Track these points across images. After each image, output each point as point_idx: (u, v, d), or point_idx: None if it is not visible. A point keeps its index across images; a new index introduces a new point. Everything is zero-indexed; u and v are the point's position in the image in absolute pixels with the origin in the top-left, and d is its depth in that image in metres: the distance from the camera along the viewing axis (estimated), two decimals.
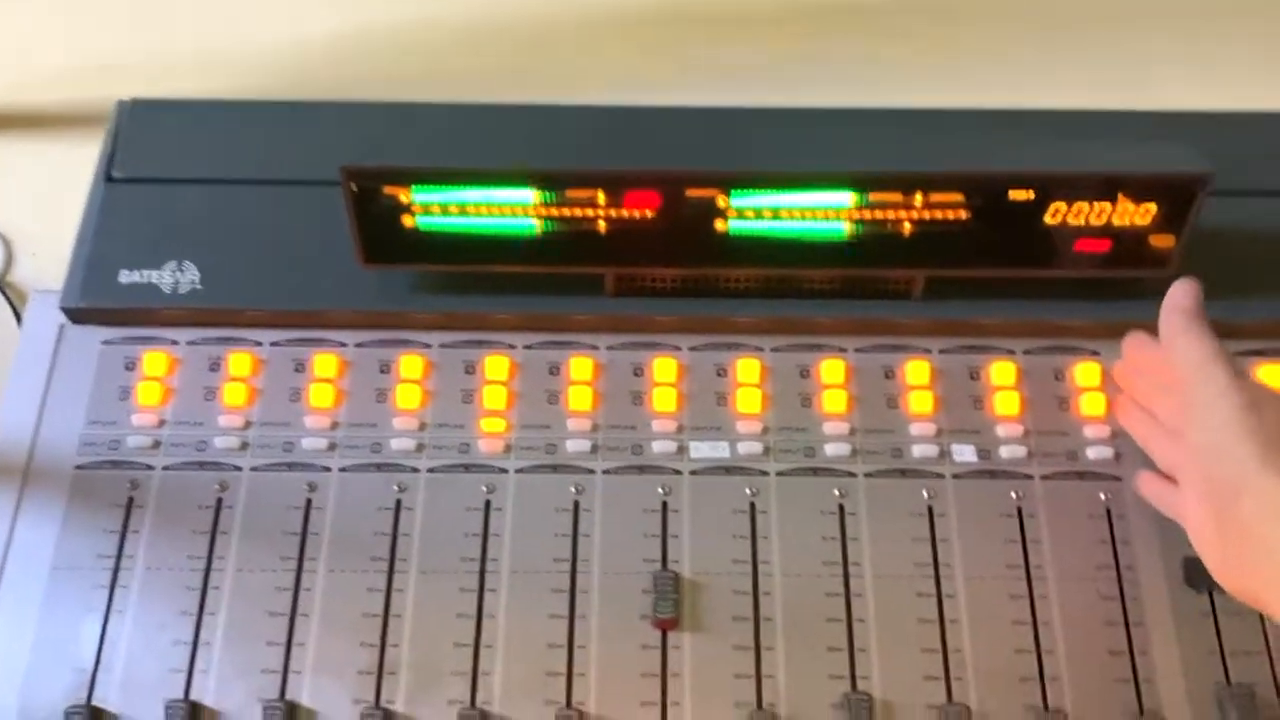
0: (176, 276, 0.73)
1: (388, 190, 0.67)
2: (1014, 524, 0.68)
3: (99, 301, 0.73)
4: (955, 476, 0.70)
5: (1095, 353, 0.73)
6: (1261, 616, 0.66)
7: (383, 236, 0.69)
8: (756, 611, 0.66)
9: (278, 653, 0.65)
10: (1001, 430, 0.71)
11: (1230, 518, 0.58)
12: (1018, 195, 0.67)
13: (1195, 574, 0.67)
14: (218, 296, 0.73)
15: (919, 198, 0.67)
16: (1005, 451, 0.70)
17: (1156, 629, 0.66)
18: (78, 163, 0.79)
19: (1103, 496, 0.69)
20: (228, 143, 0.79)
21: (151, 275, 0.73)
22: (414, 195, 0.67)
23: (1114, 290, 0.73)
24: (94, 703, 0.64)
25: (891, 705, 0.64)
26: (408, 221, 0.69)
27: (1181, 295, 0.65)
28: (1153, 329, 0.73)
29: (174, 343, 0.74)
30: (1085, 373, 0.72)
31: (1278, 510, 0.56)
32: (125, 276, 0.73)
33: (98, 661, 0.65)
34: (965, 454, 0.70)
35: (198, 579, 0.67)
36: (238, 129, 0.79)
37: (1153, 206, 0.68)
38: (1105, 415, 0.71)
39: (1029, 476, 0.70)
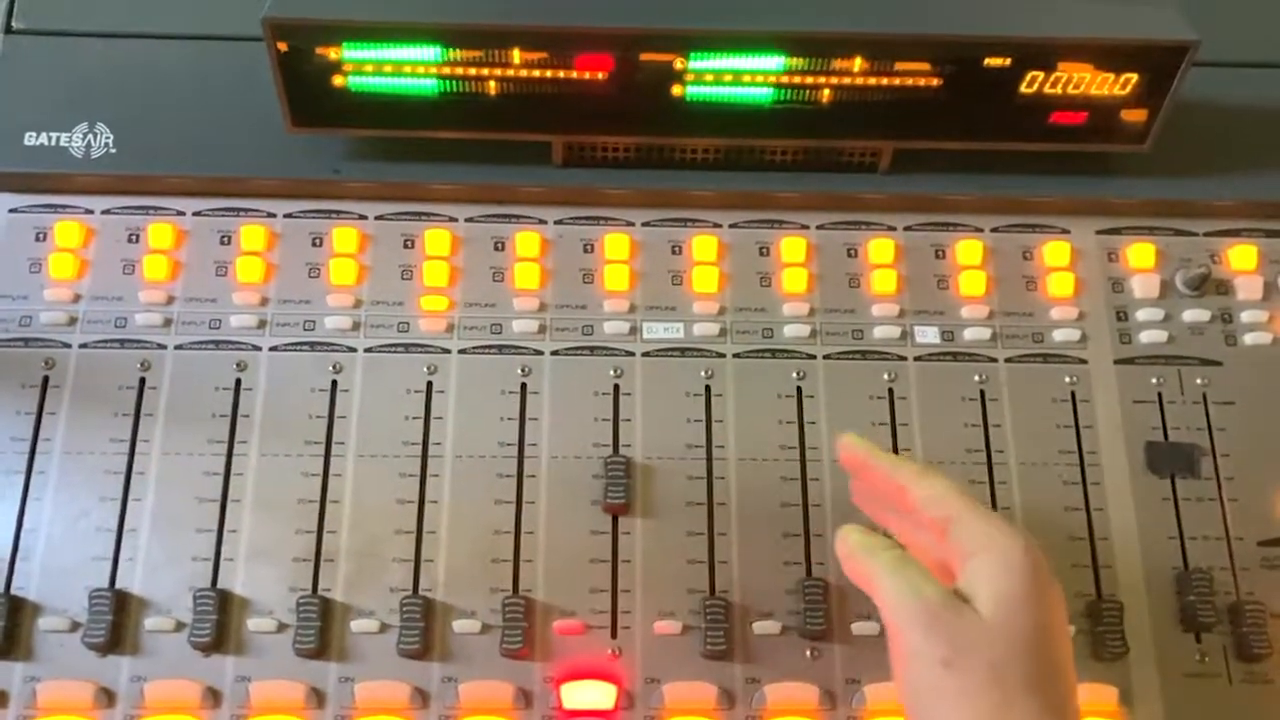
0: (88, 139, 0.68)
1: (316, 46, 0.62)
2: (976, 408, 0.66)
3: (3, 165, 0.67)
4: (917, 359, 0.67)
5: (1065, 231, 0.70)
6: (1222, 502, 0.65)
7: (312, 98, 0.64)
8: (710, 497, 0.64)
9: (208, 540, 0.62)
10: (966, 311, 0.68)
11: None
12: (993, 62, 0.63)
13: (1156, 459, 0.65)
14: (134, 162, 0.68)
15: (889, 63, 0.63)
16: (969, 333, 0.68)
17: (1117, 514, 0.64)
18: None
19: (1067, 380, 0.67)
20: None
21: (61, 137, 0.68)
22: (345, 52, 0.62)
23: (1087, 166, 0.69)
24: (13, 591, 0.60)
25: (847, 591, 0.62)
26: (338, 81, 0.63)
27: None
28: (1125, 208, 0.70)
29: (89, 211, 0.68)
30: (1054, 252, 0.70)
31: None
32: (31, 138, 0.67)
33: (15, 549, 0.61)
34: (928, 335, 0.68)
35: (121, 463, 0.63)
36: None
37: (1133, 76, 0.64)
38: (1072, 296, 0.69)
39: (993, 359, 0.67)
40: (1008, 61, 0.63)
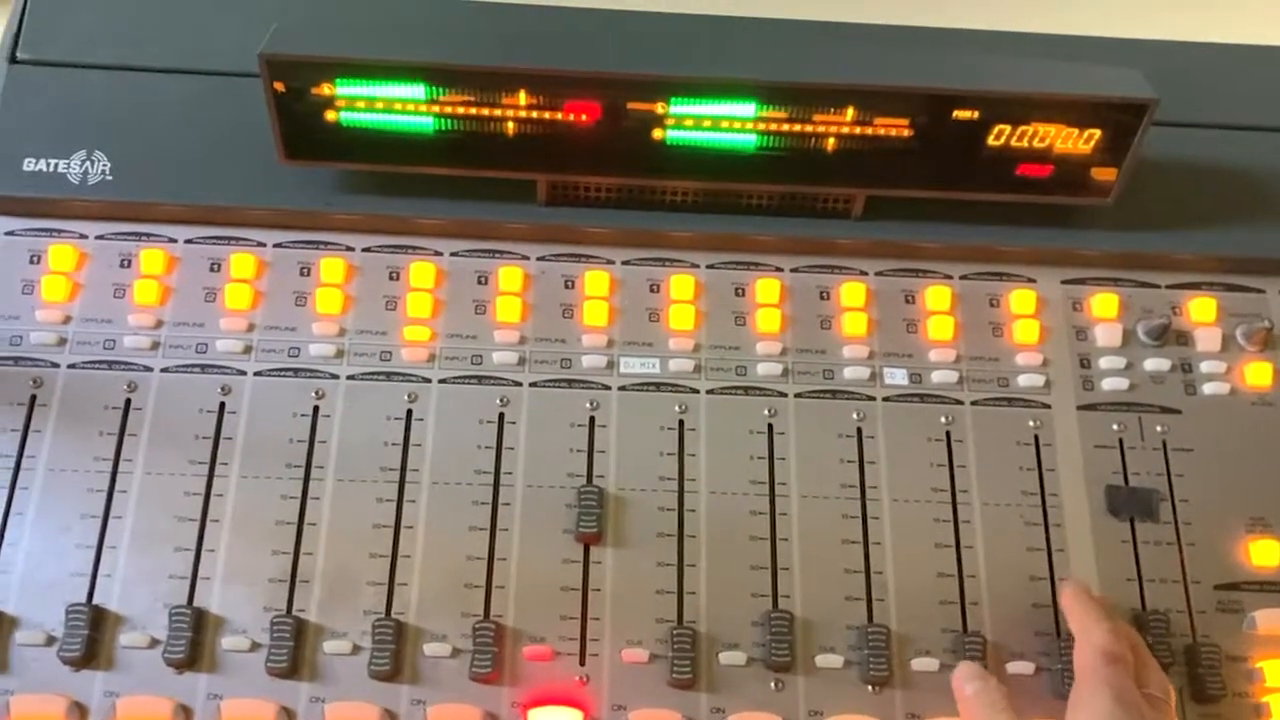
0: (86, 167, 0.70)
1: (310, 82, 0.64)
2: (942, 448, 0.68)
3: (1, 190, 0.69)
4: (886, 399, 0.69)
5: (1031, 280, 0.73)
6: (1180, 546, 0.66)
7: (305, 131, 0.66)
8: (681, 528, 0.65)
9: (186, 558, 0.63)
10: (934, 355, 0.70)
11: None
12: (962, 114, 0.66)
13: (1116, 502, 0.67)
14: (130, 189, 0.70)
15: (862, 113, 0.66)
16: (937, 376, 0.70)
17: (1077, 556, 0.66)
18: None
19: (1031, 424, 0.69)
20: (142, 27, 0.74)
21: (59, 164, 0.70)
22: (338, 89, 0.64)
23: (1054, 218, 0.72)
24: None
25: (812, 624, 0.63)
26: (331, 116, 0.65)
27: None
28: (1090, 259, 0.73)
29: (83, 236, 0.70)
30: (1020, 300, 0.72)
31: None
32: (30, 164, 0.69)
33: None
34: (897, 377, 0.70)
35: (103, 481, 0.64)
36: (153, 13, 0.75)
37: (1097, 132, 0.67)
38: (1037, 343, 0.71)
39: (959, 402, 0.69)
40: (976, 114, 0.66)
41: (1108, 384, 0.70)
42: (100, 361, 0.67)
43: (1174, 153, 0.74)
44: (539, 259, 0.71)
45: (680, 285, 0.71)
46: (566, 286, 0.71)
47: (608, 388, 0.68)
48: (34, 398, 0.66)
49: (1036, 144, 0.67)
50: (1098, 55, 0.77)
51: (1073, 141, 0.67)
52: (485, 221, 0.71)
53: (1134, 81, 0.66)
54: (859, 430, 0.68)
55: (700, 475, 0.66)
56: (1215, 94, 0.78)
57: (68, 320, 0.68)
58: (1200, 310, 0.72)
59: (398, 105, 0.65)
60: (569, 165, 0.68)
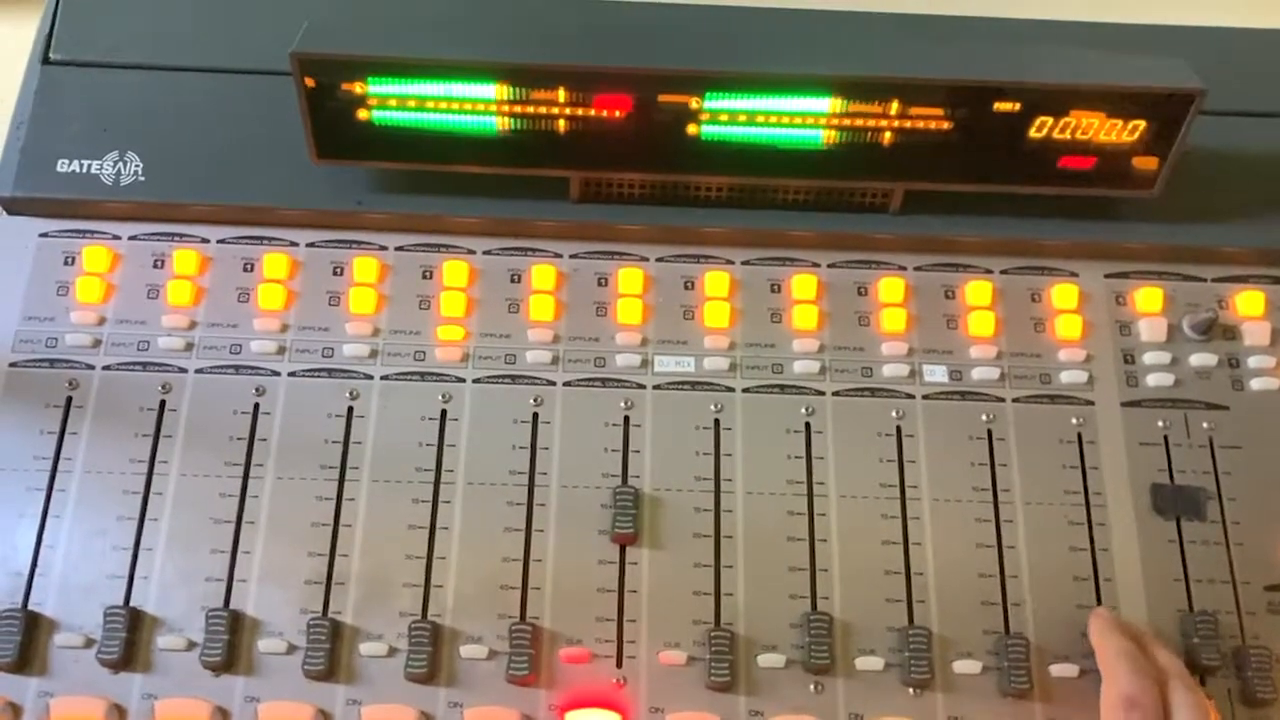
0: (118, 167, 0.70)
1: (342, 81, 0.63)
2: (983, 446, 0.67)
3: (35, 191, 0.69)
4: (925, 397, 0.68)
5: (1074, 274, 0.71)
6: (1228, 546, 0.65)
7: (336, 130, 0.65)
8: (717, 529, 0.64)
9: (222, 560, 0.63)
10: (974, 351, 0.69)
11: None
12: (1003, 107, 0.65)
13: (1162, 501, 0.66)
14: (162, 190, 0.70)
15: (900, 106, 0.65)
16: (977, 373, 0.68)
17: (1122, 555, 0.65)
18: (13, 44, 0.74)
19: (1074, 421, 0.68)
20: (174, 27, 0.74)
21: (92, 165, 0.70)
22: (370, 87, 0.64)
23: (1096, 210, 0.70)
24: (30, 607, 0.61)
25: (851, 626, 0.63)
26: (363, 115, 0.65)
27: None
28: (1134, 252, 0.71)
29: (116, 237, 0.70)
30: (1062, 294, 0.70)
31: None
32: (63, 165, 0.69)
33: (34, 566, 0.62)
34: (936, 374, 0.69)
35: (139, 483, 0.64)
36: (185, 13, 0.75)
37: (1141, 123, 0.65)
38: (1080, 338, 0.70)
39: (1000, 399, 0.68)
40: (1017, 106, 0.65)
41: (1152, 380, 0.69)
42: (135, 363, 0.67)
43: (1219, 142, 0.72)
44: (572, 256, 0.71)
45: (715, 282, 0.70)
46: (600, 284, 0.70)
47: (642, 386, 0.68)
48: (70, 400, 0.66)
49: (1079, 136, 0.66)
50: (1140, 43, 0.75)
51: (1116, 133, 0.66)
52: (518, 219, 0.70)
53: (1180, 71, 0.65)
54: (898, 429, 0.67)
55: (737, 475, 0.66)
56: (1261, 81, 0.76)
57: (102, 322, 0.68)
58: (1248, 304, 0.70)
59: (429, 104, 0.64)
60: (602, 162, 0.68)
